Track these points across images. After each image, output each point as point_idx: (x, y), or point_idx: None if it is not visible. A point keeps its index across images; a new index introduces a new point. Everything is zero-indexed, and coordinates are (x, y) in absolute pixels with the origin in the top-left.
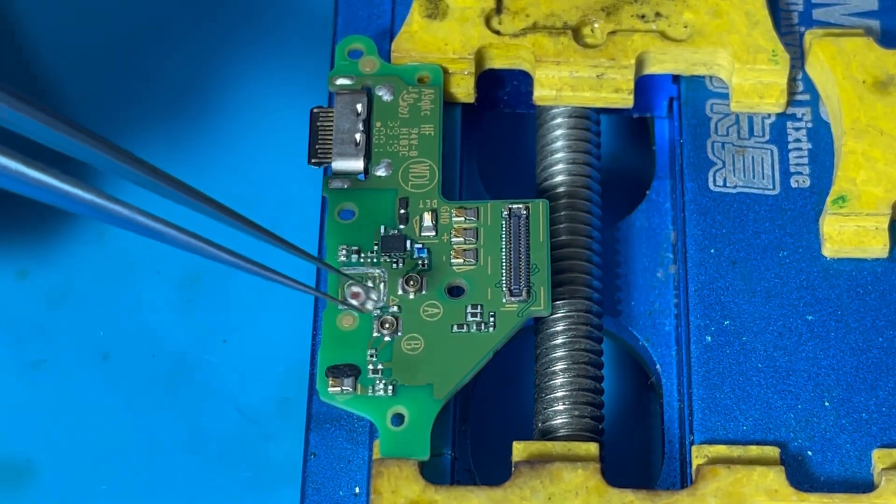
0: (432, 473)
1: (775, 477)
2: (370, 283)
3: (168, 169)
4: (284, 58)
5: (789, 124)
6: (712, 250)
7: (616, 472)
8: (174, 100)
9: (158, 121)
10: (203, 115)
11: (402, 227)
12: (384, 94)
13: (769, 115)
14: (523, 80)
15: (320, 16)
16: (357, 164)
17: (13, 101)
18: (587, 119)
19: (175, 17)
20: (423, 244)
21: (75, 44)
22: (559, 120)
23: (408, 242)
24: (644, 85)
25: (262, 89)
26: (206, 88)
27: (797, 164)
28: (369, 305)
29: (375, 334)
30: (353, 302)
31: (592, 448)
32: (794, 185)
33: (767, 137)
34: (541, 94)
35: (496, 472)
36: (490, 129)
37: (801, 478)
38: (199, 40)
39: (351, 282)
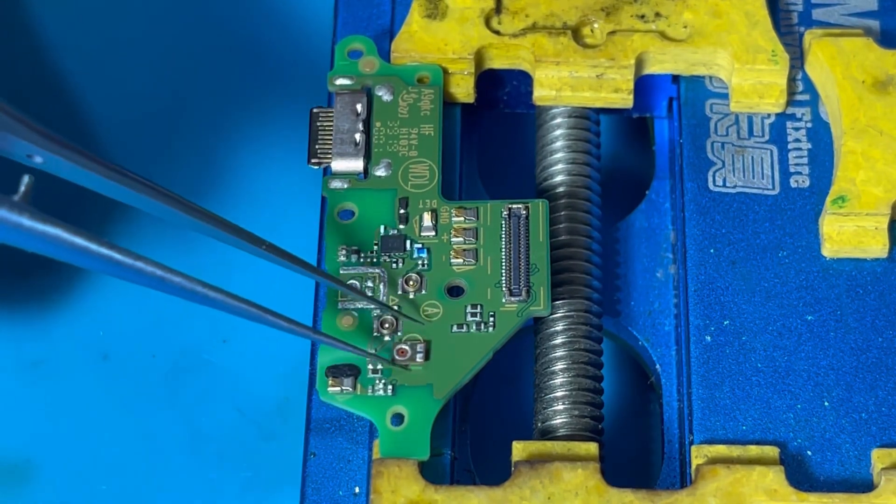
0: (432, 473)
1: (775, 477)
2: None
3: (167, 169)
4: (284, 58)
5: (789, 124)
6: (712, 250)
7: (616, 472)
8: (173, 100)
9: (157, 121)
10: (202, 115)
11: (401, 227)
12: (384, 94)
13: (769, 115)
14: (523, 80)
15: (320, 16)
16: (357, 164)
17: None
18: (587, 119)
19: (174, 18)
20: (422, 244)
21: (76, 50)
22: (559, 120)
23: (408, 242)
24: (644, 85)
25: (262, 89)
26: (205, 88)
27: (797, 164)
28: (419, 358)
29: (375, 334)
30: (399, 358)
31: (592, 448)
32: (793, 185)
33: (767, 137)
34: (541, 94)
35: (496, 471)
36: (490, 129)
37: (800, 478)
38: (197, 40)
39: (398, 339)
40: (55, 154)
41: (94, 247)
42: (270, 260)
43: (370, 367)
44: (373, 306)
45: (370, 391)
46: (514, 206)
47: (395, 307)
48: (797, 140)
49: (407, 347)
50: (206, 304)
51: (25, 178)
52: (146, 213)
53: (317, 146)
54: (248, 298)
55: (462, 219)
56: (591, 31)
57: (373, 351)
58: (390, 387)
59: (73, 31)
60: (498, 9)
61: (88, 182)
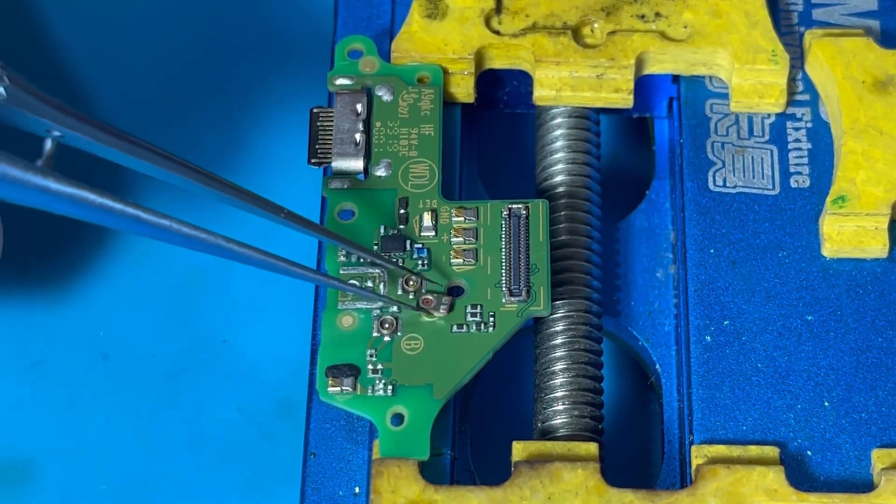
0: (432, 473)
1: (775, 477)
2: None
3: None
4: (284, 58)
5: (789, 124)
6: (712, 250)
7: (616, 472)
8: (172, 99)
9: (156, 121)
10: (202, 114)
11: (402, 227)
12: (384, 94)
13: (769, 115)
14: (523, 80)
15: (320, 16)
16: (357, 164)
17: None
18: (587, 119)
19: (173, 17)
20: (422, 244)
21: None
22: (559, 120)
23: (408, 242)
24: (644, 85)
25: (262, 89)
26: (205, 88)
27: (797, 164)
28: (441, 311)
29: (375, 334)
30: (424, 307)
31: (592, 448)
32: (793, 185)
33: (767, 137)
34: (541, 94)
35: (496, 472)
36: (490, 129)
37: (800, 478)
38: (197, 40)
39: (426, 291)
40: (73, 129)
41: (120, 206)
42: (289, 227)
43: (370, 367)
44: (389, 266)
45: (370, 391)
46: (514, 206)
47: (396, 308)
48: (797, 140)
49: (432, 298)
50: (228, 258)
51: (48, 144)
52: (158, 188)
53: (317, 146)
54: (247, 299)
55: (462, 219)
56: (591, 31)
57: (372, 352)
58: (390, 387)
59: (78, 35)
60: (498, 9)
61: (105, 153)
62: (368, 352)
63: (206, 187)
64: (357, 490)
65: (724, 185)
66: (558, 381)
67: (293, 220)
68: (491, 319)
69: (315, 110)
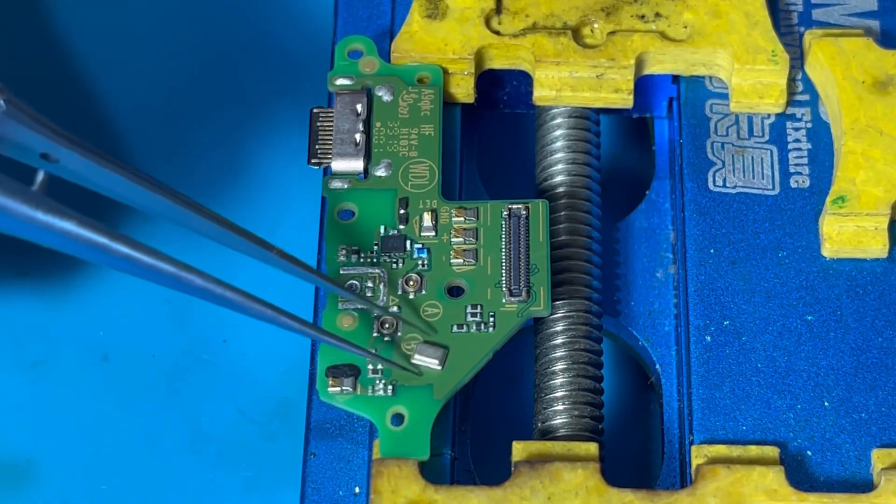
0: (432, 473)
1: (775, 477)
2: (370, 284)
3: (166, 169)
4: (284, 58)
5: (789, 124)
6: (712, 250)
7: (616, 472)
8: (173, 99)
9: (157, 120)
10: (202, 114)
11: (401, 227)
12: (384, 95)
13: (769, 116)
14: (523, 80)
15: (320, 16)
16: (357, 164)
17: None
18: (587, 119)
19: (173, 17)
20: (422, 244)
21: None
22: (559, 120)
23: (408, 242)
24: (644, 85)
25: (262, 89)
26: (205, 88)
27: (797, 165)
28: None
29: (375, 334)
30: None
31: (592, 448)
32: (793, 185)
33: (767, 137)
34: (541, 95)
35: (496, 472)
36: (490, 129)
37: (800, 478)
38: (197, 41)
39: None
40: (68, 152)
41: (107, 242)
42: (278, 266)
43: (370, 367)
44: (375, 312)
45: (370, 391)
46: (514, 206)
47: (397, 308)
48: (797, 140)
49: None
50: (219, 304)
51: (40, 175)
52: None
53: (317, 146)
54: (255, 288)
55: (462, 219)
56: (591, 31)
57: (374, 350)
58: (390, 387)
59: (79, 34)
60: (498, 9)
61: (97, 187)
62: None
63: (201, 220)
64: (357, 490)
65: (724, 186)
66: (558, 381)
67: (283, 257)
68: (491, 319)
69: (315, 110)
